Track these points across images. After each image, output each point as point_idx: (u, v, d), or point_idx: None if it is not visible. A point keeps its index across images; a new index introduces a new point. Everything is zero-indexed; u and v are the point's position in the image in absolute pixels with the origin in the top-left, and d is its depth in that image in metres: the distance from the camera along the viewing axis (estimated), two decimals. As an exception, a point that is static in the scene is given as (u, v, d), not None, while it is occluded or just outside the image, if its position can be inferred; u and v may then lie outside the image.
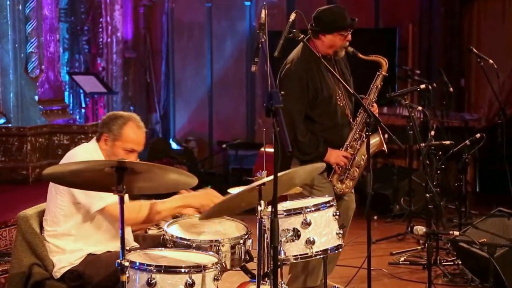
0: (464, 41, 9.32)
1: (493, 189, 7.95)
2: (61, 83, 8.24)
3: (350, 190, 4.82)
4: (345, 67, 4.91)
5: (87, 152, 3.76)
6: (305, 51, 4.67)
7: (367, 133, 4.51)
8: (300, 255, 3.69)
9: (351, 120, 4.80)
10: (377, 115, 4.78)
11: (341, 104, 4.76)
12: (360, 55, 4.74)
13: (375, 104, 4.82)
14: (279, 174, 3.19)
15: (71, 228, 3.73)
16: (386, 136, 4.73)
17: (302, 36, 4.55)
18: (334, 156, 4.72)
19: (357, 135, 4.76)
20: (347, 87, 4.59)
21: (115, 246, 3.76)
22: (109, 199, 3.61)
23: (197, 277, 3.20)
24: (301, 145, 4.68)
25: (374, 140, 4.74)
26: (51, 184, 3.78)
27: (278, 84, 4.71)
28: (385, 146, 4.80)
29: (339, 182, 4.77)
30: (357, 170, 4.78)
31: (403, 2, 9.69)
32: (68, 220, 3.73)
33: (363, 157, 4.73)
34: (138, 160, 3.84)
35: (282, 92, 3.39)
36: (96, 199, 3.63)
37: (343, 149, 4.75)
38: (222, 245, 3.61)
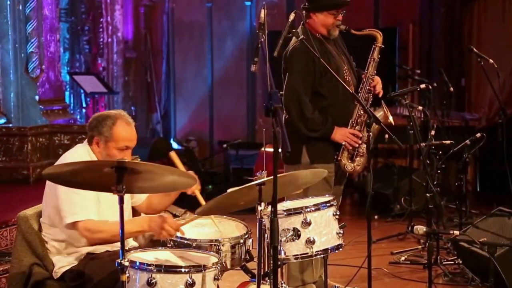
0: (464, 40, 9.32)
1: (494, 189, 7.94)
2: (61, 83, 8.24)
3: (361, 167, 4.79)
4: (343, 46, 4.93)
5: (79, 156, 3.75)
6: (307, 33, 4.66)
7: (368, 134, 4.50)
8: (300, 254, 3.69)
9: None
10: (380, 87, 4.80)
11: (347, 79, 4.76)
12: (354, 31, 4.77)
13: (376, 77, 4.83)
14: (279, 176, 3.20)
15: (65, 235, 3.72)
16: (389, 114, 4.73)
17: (302, 36, 4.57)
18: (341, 133, 4.71)
19: (361, 111, 4.74)
20: (346, 87, 4.59)
21: (112, 246, 3.77)
22: (80, 216, 3.58)
23: (197, 277, 3.20)
24: (309, 122, 4.68)
25: (379, 114, 4.75)
26: (45, 191, 3.78)
27: (284, 65, 4.72)
28: (390, 118, 4.78)
29: (349, 160, 4.76)
30: (365, 145, 4.76)
31: (403, 2, 9.69)
32: (61, 228, 3.72)
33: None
34: (138, 159, 3.84)
35: (281, 93, 3.40)
36: (69, 212, 3.59)
37: (348, 127, 4.76)
38: (222, 245, 3.62)
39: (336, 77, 4.55)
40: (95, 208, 3.64)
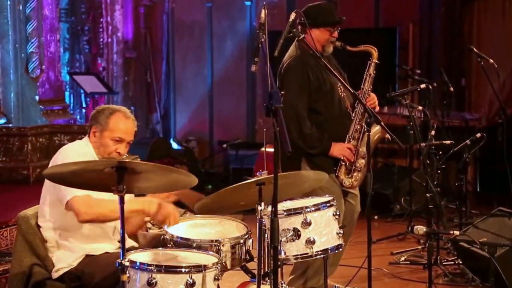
0: (465, 40, 9.32)
1: (494, 189, 7.95)
2: (61, 83, 8.25)
3: (359, 183, 4.81)
4: (337, 63, 4.94)
5: (77, 147, 3.79)
6: (302, 47, 4.69)
7: (367, 133, 4.50)
8: (300, 254, 3.69)
9: (350, 111, 4.82)
10: (376, 103, 4.82)
11: (342, 96, 4.79)
12: (349, 48, 4.79)
13: (372, 93, 4.84)
14: (280, 175, 3.20)
15: (60, 221, 3.72)
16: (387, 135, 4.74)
17: (302, 36, 4.57)
18: (339, 148, 4.73)
19: (358, 126, 4.78)
20: (346, 85, 4.59)
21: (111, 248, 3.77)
22: (79, 192, 3.53)
23: (197, 277, 3.20)
24: (308, 139, 4.70)
25: (375, 129, 4.76)
26: (44, 186, 3.78)
27: (279, 81, 4.74)
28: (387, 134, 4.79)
29: (347, 176, 4.78)
30: (363, 160, 4.78)
31: (403, 2, 9.69)
32: (57, 214, 3.73)
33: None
34: (138, 159, 3.85)
35: (282, 92, 3.40)
36: (68, 190, 3.56)
37: (346, 142, 4.77)
38: (223, 245, 3.61)
39: (331, 92, 4.58)
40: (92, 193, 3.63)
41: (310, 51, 4.61)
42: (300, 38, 4.57)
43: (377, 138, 4.80)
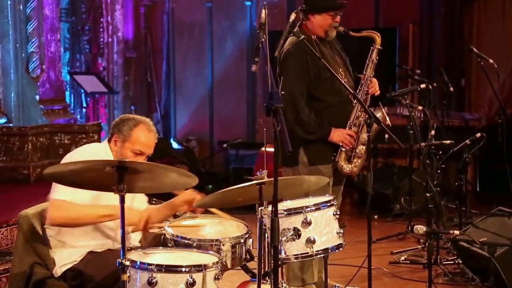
0: (465, 40, 9.33)
1: (493, 189, 7.95)
2: (62, 82, 8.25)
3: (358, 169, 4.82)
4: (339, 48, 4.95)
5: (94, 149, 3.79)
6: (303, 34, 4.68)
7: (368, 134, 4.50)
8: (300, 254, 3.69)
9: (352, 98, 4.82)
10: (377, 88, 4.83)
11: (343, 81, 4.77)
12: (352, 33, 4.80)
13: (374, 79, 4.85)
14: (281, 178, 3.21)
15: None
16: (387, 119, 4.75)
17: (303, 37, 4.57)
18: (338, 134, 4.73)
19: (359, 112, 4.78)
20: (346, 86, 4.60)
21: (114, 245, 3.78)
22: (57, 195, 3.58)
23: (198, 276, 3.21)
24: (305, 125, 4.70)
25: (377, 116, 4.76)
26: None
27: (279, 68, 4.74)
28: (388, 120, 4.80)
29: (346, 162, 4.78)
30: (363, 147, 4.78)
31: (404, 2, 9.71)
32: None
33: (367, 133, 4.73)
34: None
35: (282, 92, 3.41)
36: (53, 193, 3.61)
37: (346, 128, 4.77)
38: (223, 244, 3.62)
39: (334, 78, 4.56)
40: (82, 196, 3.60)
41: (310, 47, 4.60)
42: (300, 39, 4.57)
43: (376, 127, 4.79)
